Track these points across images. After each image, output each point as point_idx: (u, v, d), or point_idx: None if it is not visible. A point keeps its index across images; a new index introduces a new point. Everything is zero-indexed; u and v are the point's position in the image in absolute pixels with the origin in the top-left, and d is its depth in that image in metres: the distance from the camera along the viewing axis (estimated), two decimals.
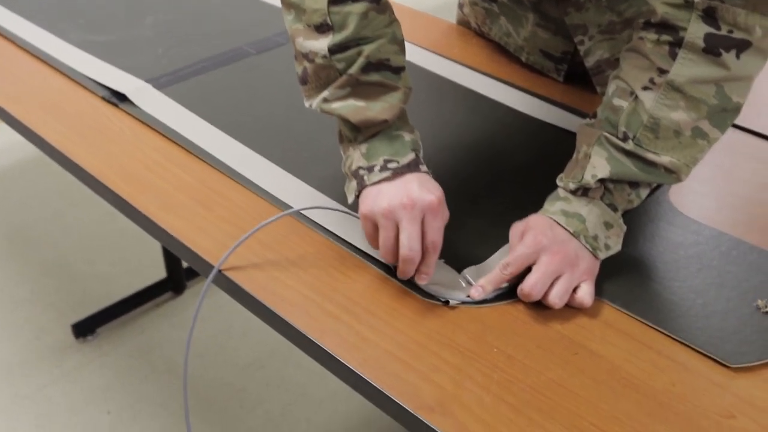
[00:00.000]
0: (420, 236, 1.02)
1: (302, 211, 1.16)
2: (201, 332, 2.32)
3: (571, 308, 1.02)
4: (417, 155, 1.08)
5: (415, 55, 1.60)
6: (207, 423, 2.06)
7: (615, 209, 1.06)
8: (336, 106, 1.08)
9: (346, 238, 1.12)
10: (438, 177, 1.08)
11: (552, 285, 1.02)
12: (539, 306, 1.02)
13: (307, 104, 1.12)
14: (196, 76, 1.54)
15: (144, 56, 1.61)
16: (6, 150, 3.07)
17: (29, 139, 1.43)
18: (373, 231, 1.06)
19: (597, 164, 1.04)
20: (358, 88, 1.07)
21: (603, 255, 1.05)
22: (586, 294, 1.02)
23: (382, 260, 1.07)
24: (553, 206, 1.07)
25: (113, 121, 1.41)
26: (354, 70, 1.06)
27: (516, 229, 1.07)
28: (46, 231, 2.73)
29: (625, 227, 1.08)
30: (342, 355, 0.96)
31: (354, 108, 1.07)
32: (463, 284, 1.06)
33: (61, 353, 2.28)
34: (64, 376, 2.20)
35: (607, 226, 1.06)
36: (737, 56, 0.97)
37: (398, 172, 1.05)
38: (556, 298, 1.01)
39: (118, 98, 1.46)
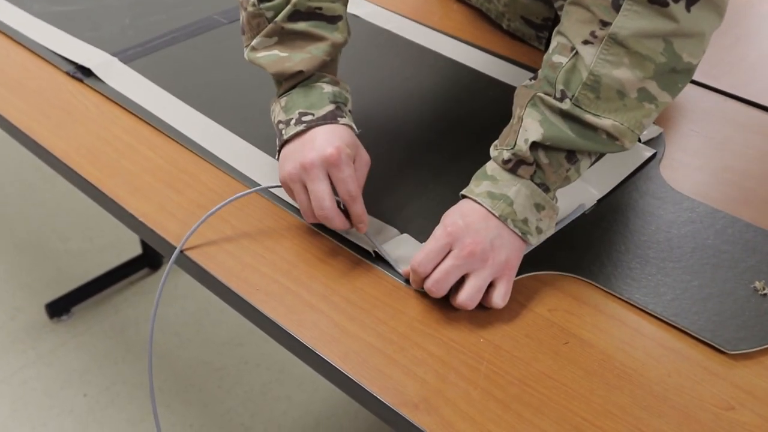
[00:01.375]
0: (328, 192, 0.98)
1: (272, 190, 1.11)
2: (178, 310, 2.27)
3: (559, 293, 0.97)
4: (339, 107, 1.04)
5: (392, 21, 1.54)
6: (185, 403, 2.02)
7: (547, 189, 0.96)
8: (260, 55, 1.07)
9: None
10: (416, 148, 1.02)
11: (462, 284, 0.94)
12: (527, 292, 0.97)
13: (245, 55, 1.10)
14: (164, 48, 1.47)
15: (110, 27, 1.54)
16: None
17: None
18: (293, 196, 1.03)
19: (529, 127, 0.94)
20: (284, 38, 1.06)
21: (535, 240, 0.96)
22: (498, 296, 0.94)
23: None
24: (479, 186, 0.96)
25: (78, 98, 1.34)
26: (280, 18, 1.04)
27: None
28: (18, 207, 2.66)
29: (558, 208, 0.98)
30: (321, 348, 0.90)
31: (275, 58, 1.05)
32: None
33: (36, 334, 2.22)
34: (40, 359, 2.15)
35: (538, 207, 0.95)
36: (687, 8, 0.88)
37: (312, 125, 1.01)
38: (465, 299, 0.93)
39: (83, 73, 1.39)
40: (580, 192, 1.10)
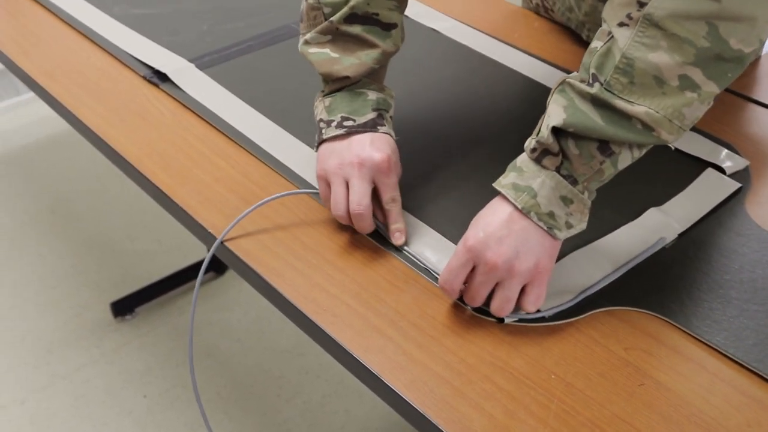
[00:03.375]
0: (369, 193, 1.02)
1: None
2: (241, 315, 2.27)
3: (636, 331, 0.93)
4: (380, 115, 1.06)
5: (471, 38, 1.51)
6: (243, 411, 2.01)
7: (575, 182, 0.90)
8: (312, 51, 1.09)
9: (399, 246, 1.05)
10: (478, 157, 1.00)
11: (494, 292, 0.92)
12: (602, 328, 0.93)
13: (298, 47, 1.12)
14: (241, 56, 1.46)
15: (188, 33, 1.54)
16: (53, 117, 3.02)
17: (66, 118, 1.37)
18: (327, 191, 1.05)
19: (552, 113, 0.89)
20: (337, 38, 1.07)
21: (563, 234, 0.91)
22: (529, 301, 0.92)
23: (340, 221, 1.05)
24: (507, 177, 0.92)
25: (154, 103, 1.34)
26: (337, 18, 1.05)
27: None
28: (90, 204, 2.69)
29: (589, 203, 0.92)
30: (386, 376, 0.88)
31: (325, 57, 1.07)
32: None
33: (101, 332, 2.23)
34: (103, 357, 2.16)
35: (565, 201, 0.90)
36: None
37: (353, 131, 1.04)
38: (496, 309, 0.92)
39: (160, 78, 1.39)
40: (661, 225, 1.06)
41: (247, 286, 2.33)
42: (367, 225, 1.03)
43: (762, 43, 0.86)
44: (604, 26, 0.89)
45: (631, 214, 1.08)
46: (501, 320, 0.94)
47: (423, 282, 0.99)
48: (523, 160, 0.92)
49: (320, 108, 1.08)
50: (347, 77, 1.06)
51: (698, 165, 1.18)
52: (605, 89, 0.85)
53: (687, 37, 0.82)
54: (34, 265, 2.46)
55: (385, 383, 0.88)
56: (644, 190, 1.13)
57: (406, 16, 1.52)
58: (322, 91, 1.10)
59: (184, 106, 1.32)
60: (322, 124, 1.07)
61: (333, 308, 0.96)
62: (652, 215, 1.08)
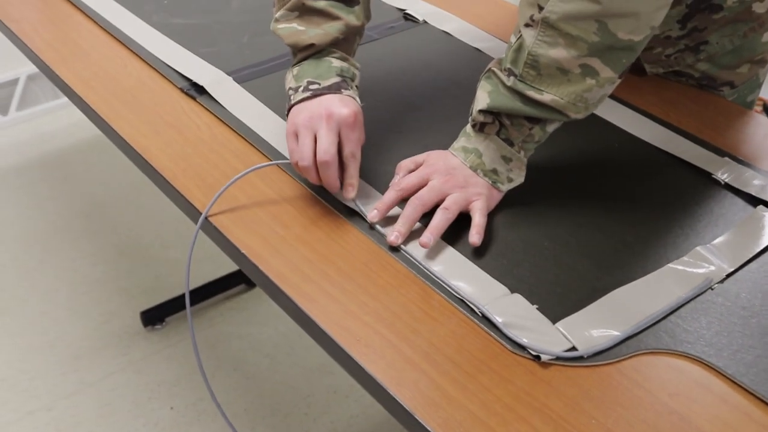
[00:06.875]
0: (335, 143, 1.08)
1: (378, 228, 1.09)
2: (272, 331, 2.24)
3: (681, 376, 0.89)
4: (344, 80, 1.14)
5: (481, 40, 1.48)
6: (270, 428, 1.98)
7: (511, 144, 1.08)
8: (281, 26, 1.18)
9: (431, 271, 1.02)
10: None
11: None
12: (645, 371, 0.89)
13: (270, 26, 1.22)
14: (281, 71, 1.43)
15: (227, 44, 1.52)
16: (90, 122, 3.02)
17: (101, 128, 1.36)
18: (295, 146, 1.10)
19: (479, 98, 1.09)
20: (304, 13, 1.17)
21: (506, 187, 1.10)
22: (476, 209, 1.06)
23: (305, 174, 1.10)
24: (458, 142, 1.12)
25: (190, 116, 1.32)
26: None
27: (410, 159, 1.13)
28: (124, 209, 2.68)
29: (525, 160, 1.10)
30: (420, 413, 0.84)
31: (292, 30, 1.17)
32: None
33: (129, 340, 2.22)
34: (131, 365, 2.14)
35: (506, 160, 1.09)
36: None
37: (318, 93, 1.11)
38: (452, 203, 1.06)
39: (197, 90, 1.37)
40: (708, 264, 1.02)
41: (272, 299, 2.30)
42: (332, 176, 1.08)
43: (654, 29, 1.02)
44: (519, 21, 1.05)
45: (678, 252, 1.04)
46: (537, 357, 0.91)
47: (459, 315, 0.96)
48: (470, 127, 1.11)
49: (289, 77, 1.17)
50: (312, 44, 1.15)
51: (749, 202, 1.13)
52: (519, 81, 1.04)
53: (579, 35, 0.99)
54: (65, 270, 2.45)
55: (418, 421, 0.84)
56: (691, 227, 1.09)
57: (425, 22, 1.59)
58: (291, 64, 1.19)
59: (220, 120, 1.30)
60: (290, 92, 1.15)
61: (366, 337, 0.93)
62: (698, 254, 1.04)
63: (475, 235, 1.04)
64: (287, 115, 1.14)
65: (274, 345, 2.20)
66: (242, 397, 2.05)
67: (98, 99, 1.37)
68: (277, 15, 1.19)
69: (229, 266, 2.37)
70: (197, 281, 2.31)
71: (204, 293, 2.31)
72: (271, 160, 1.20)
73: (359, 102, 1.14)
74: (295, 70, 1.17)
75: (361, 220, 1.10)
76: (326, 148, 1.07)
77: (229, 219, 1.11)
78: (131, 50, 1.50)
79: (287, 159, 1.16)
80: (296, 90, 1.13)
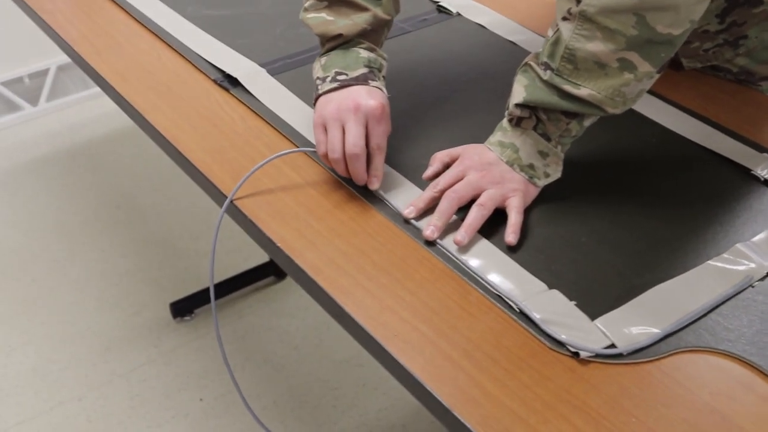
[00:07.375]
0: (364, 136, 1.09)
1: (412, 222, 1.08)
2: (300, 323, 2.24)
3: (722, 375, 0.88)
4: (372, 71, 1.15)
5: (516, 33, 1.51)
6: (299, 420, 1.98)
7: (548, 139, 1.08)
8: (310, 16, 1.19)
9: (468, 266, 1.01)
10: None
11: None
12: (685, 370, 0.88)
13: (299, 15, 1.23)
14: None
15: (261, 36, 1.52)
16: (122, 112, 3.03)
17: (135, 120, 1.36)
18: (323, 137, 1.11)
19: (515, 91, 1.08)
20: (333, 4, 1.18)
21: (542, 182, 1.10)
22: (512, 206, 1.06)
23: (334, 166, 1.11)
24: (495, 137, 1.11)
25: (225, 108, 1.32)
26: None
27: (446, 151, 1.13)
28: (155, 201, 2.69)
29: (562, 155, 1.09)
30: (459, 410, 0.84)
31: (321, 20, 1.18)
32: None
33: (159, 332, 2.23)
34: (161, 357, 2.15)
35: (543, 155, 1.08)
36: None
37: (345, 84, 1.12)
38: (487, 199, 1.05)
39: (231, 82, 1.37)
40: (748, 262, 1.01)
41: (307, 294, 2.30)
42: (360, 168, 1.09)
43: (693, 23, 1.00)
44: (556, 15, 1.04)
45: (717, 249, 1.03)
46: (576, 354, 0.90)
47: (497, 311, 0.95)
48: (506, 122, 1.10)
49: (317, 67, 1.18)
50: (340, 35, 1.16)
51: None
52: (555, 75, 1.03)
53: (617, 29, 0.98)
54: (96, 261, 2.47)
55: (456, 418, 0.83)
56: (731, 224, 1.08)
57: (459, 15, 1.58)
58: (319, 54, 1.19)
59: (254, 113, 1.30)
60: (318, 81, 1.16)
61: (404, 333, 0.93)
62: (738, 251, 1.02)
63: (510, 235, 1.04)
64: (314, 105, 1.15)
65: (303, 337, 2.20)
66: (271, 389, 2.05)
67: (133, 91, 1.37)
68: (307, 4, 1.20)
69: (258, 258, 2.38)
70: (226, 273, 2.32)
71: (233, 285, 2.32)
72: (307, 155, 1.20)
73: (386, 93, 1.15)
74: (323, 59, 1.18)
75: (391, 210, 1.10)
76: (355, 141, 1.08)
77: (258, 205, 1.11)
78: (165, 42, 1.50)
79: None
80: (324, 80, 1.14)
